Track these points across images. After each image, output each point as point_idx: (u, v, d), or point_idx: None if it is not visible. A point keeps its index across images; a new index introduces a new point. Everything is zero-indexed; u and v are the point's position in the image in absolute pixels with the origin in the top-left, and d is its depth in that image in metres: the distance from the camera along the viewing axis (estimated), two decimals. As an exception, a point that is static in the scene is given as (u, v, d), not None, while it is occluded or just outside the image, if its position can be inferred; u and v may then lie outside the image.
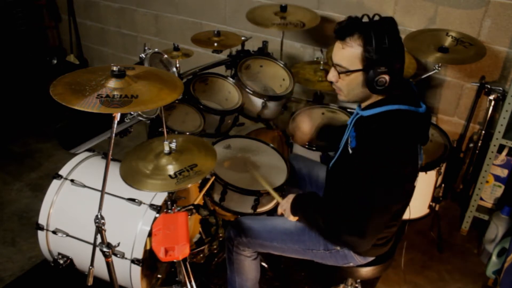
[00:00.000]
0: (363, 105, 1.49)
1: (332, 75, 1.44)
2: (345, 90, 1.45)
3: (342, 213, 1.39)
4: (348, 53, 1.36)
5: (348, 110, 2.52)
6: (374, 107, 1.43)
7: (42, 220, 1.91)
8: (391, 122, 1.38)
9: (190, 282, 1.79)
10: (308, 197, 1.63)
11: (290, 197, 1.66)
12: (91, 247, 1.49)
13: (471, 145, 2.61)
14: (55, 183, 1.95)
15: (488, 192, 2.57)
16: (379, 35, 1.31)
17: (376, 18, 1.38)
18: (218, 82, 2.48)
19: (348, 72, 1.39)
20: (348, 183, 1.42)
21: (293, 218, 1.64)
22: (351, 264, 1.66)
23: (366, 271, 1.69)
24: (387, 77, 1.35)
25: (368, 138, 1.39)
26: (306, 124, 2.00)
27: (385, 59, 1.33)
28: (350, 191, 1.39)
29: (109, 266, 1.53)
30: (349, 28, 1.36)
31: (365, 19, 1.38)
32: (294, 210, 1.62)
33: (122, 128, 2.02)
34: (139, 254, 1.77)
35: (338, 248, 1.62)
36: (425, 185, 2.21)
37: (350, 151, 1.47)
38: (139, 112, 1.90)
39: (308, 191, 1.97)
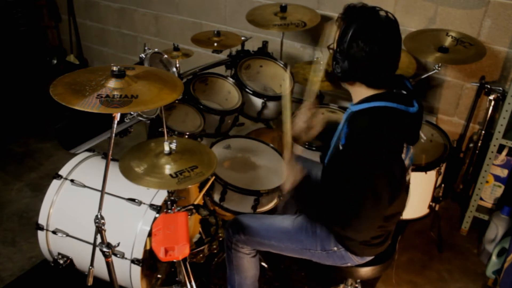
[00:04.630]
0: (354, 101, 1.51)
1: None
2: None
3: (334, 210, 1.42)
4: (334, 30, 1.45)
5: (348, 110, 2.52)
6: (362, 103, 1.45)
7: (42, 220, 1.91)
8: (374, 118, 1.40)
9: (190, 282, 1.79)
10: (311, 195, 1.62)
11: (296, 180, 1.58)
12: (91, 247, 1.50)
13: (471, 145, 2.61)
14: (55, 183, 1.95)
15: (488, 192, 2.57)
16: (348, 28, 1.36)
17: (382, 14, 1.39)
18: (218, 82, 2.48)
19: (329, 45, 1.47)
20: (337, 179, 1.44)
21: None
22: (349, 264, 1.66)
23: (366, 271, 1.69)
24: (340, 67, 1.41)
25: (352, 133, 1.42)
26: (300, 123, 1.96)
27: (344, 51, 1.38)
28: (338, 187, 1.41)
29: (109, 266, 1.54)
30: (344, 10, 1.42)
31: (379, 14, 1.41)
32: (299, 202, 1.62)
33: (122, 128, 2.02)
34: (139, 254, 1.77)
35: (335, 248, 1.62)
36: (425, 185, 2.21)
37: (341, 148, 1.48)
38: (139, 112, 1.90)
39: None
